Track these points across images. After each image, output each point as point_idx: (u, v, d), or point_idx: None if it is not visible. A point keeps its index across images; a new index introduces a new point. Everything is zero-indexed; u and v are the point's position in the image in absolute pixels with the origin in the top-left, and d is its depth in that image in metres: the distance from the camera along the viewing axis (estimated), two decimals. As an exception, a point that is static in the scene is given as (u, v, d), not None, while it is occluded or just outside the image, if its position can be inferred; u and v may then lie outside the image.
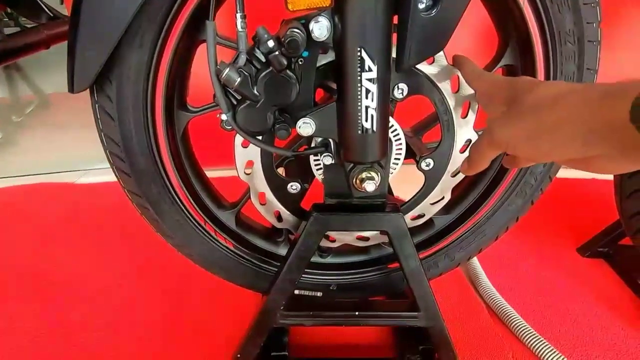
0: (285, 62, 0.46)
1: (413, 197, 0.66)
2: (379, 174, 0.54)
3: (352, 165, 0.54)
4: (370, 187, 0.54)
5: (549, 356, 0.72)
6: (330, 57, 0.53)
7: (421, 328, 0.65)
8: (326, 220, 0.59)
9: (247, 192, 0.65)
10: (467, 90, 0.57)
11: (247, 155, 0.60)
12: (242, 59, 0.46)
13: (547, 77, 0.58)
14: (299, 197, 0.64)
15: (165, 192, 0.61)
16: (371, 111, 0.48)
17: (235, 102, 0.49)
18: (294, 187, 0.63)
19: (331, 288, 0.74)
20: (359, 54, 0.45)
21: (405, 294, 0.73)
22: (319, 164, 0.59)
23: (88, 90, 0.52)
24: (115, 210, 1.16)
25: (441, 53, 0.54)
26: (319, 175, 0.60)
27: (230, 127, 0.51)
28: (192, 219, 0.65)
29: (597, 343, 0.78)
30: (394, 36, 0.46)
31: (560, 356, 0.72)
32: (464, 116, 0.59)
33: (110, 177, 0.62)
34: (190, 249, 0.67)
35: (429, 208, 0.66)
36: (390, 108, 0.53)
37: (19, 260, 1.01)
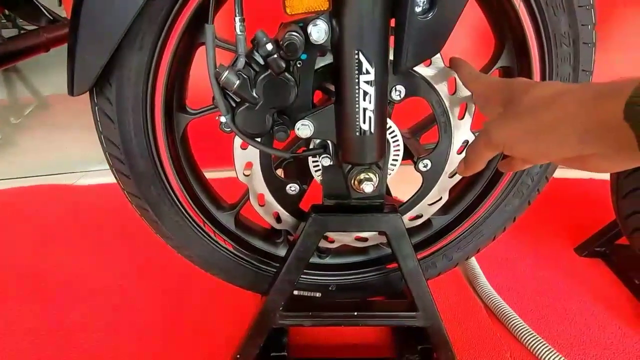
0: (283, 65, 0.47)
1: (411, 197, 0.66)
2: (377, 175, 0.55)
3: (350, 166, 0.55)
4: (368, 188, 0.55)
5: (547, 355, 0.73)
6: (328, 59, 0.53)
7: (420, 328, 0.65)
8: (325, 221, 0.60)
9: (246, 194, 0.66)
10: (464, 92, 0.57)
11: (246, 157, 0.60)
12: (241, 61, 0.46)
13: (543, 79, 0.58)
14: (298, 198, 0.65)
15: (165, 194, 0.61)
16: (369, 113, 0.49)
17: (234, 105, 0.49)
18: (292, 188, 0.63)
19: (330, 289, 0.74)
20: (356, 56, 0.45)
21: (404, 294, 0.74)
22: (318, 166, 0.60)
23: (87, 92, 0.52)
24: (114, 211, 1.16)
25: (438, 55, 0.54)
26: (317, 176, 0.61)
27: (229, 129, 0.51)
28: (191, 221, 0.65)
29: (595, 342, 0.78)
30: (392, 39, 0.46)
31: (558, 355, 0.73)
32: (461, 118, 0.59)
33: (109, 178, 0.63)
34: (190, 250, 0.68)
35: (427, 209, 0.67)
36: (387, 110, 0.53)
37: (19, 261, 1.01)
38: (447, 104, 0.58)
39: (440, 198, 0.66)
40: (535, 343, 0.75)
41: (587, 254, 1.00)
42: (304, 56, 0.48)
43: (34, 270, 0.98)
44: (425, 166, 0.62)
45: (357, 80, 0.47)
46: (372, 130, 0.50)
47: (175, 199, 0.62)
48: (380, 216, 0.59)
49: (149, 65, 0.52)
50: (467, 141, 0.61)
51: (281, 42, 0.45)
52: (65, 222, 1.16)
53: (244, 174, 0.62)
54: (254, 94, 0.48)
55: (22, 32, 0.85)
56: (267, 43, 0.45)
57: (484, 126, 0.43)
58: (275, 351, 0.71)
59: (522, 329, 0.78)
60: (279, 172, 0.65)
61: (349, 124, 0.50)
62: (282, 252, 0.72)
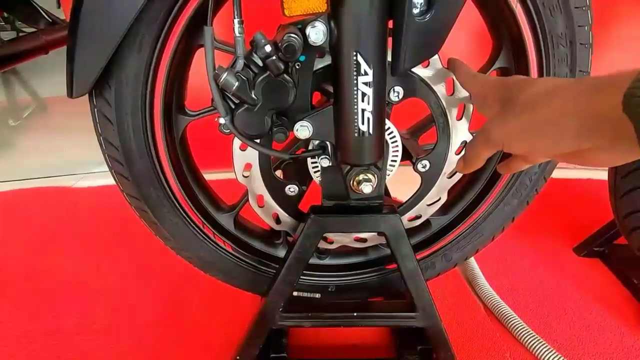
0: (282, 67, 0.47)
1: (410, 198, 0.66)
2: (375, 175, 0.55)
3: (349, 167, 0.55)
4: (367, 189, 0.55)
5: (546, 355, 0.73)
6: (326, 61, 0.54)
7: (419, 328, 0.65)
8: (324, 222, 0.60)
9: (245, 195, 0.66)
10: (462, 92, 0.57)
11: (245, 158, 0.60)
12: (240, 63, 0.46)
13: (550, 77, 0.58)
14: (297, 200, 0.65)
15: (164, 195, 0.61)
16: (367, 114, 0.49)
17: (233, 106, 0.49)
18: (291, 189, 0.63)
19: (330, 289, 0.75)
20: (355, 58, 0.45)
21: (403, 295, 0.74)
22: (317, 167, 0.60)
23: (86, 94, 0.53)
24: (113, 213, 1.16)
25: (436, 56, 0.55)
26: (316, 177, 0.61)
27: (228, 131, 0.51)
28: (190, 222, 0.65)
29: (594, 342, 0.79)
30: (390, 40, 0.46)
31: (557, 355, 0.73)
32: (459, 118, 0.60)
33: (108, 180, 0.63)
34: (189, 251, 0.68)
35: (426, 209, 0.67)
36: (386, 111, 0.54)
37: (18, 263, 1.01)
38: (445, 104, 0.58)
39: (439, 198, 0.66)
40: (534, 343, 0.75)
41: (586, 253, 1.00)
42: (302, 58, 0.48)
43: (33, 272, 0.97)
44: (424, 167, 0.63)
45: (355, 82, 0.47)
46: (371, 131, 0.50)
47: (175, 201, 0.63)
48: (379, 217, 0.59)
49: (148, 67, 0.53)
50: (465, 142, 0.61)
51: (280, 44, 0.45)
52: (65, 224, 1.15)
53: (243, 175, 0.62)
54: (253, 96, 0.48)
55: (20, 34, 0.86)
56: (265, 45, 0.45)
57: (484, 124, 0.43)
58: (275, 352, 0.71)
59: (521, 329, 0.78)
60: (278, 173, 0.66)
61: (348, 125, 0.50)
62: (281, 253, 0.72)
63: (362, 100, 0.48)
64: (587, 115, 0.32)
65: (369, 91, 0.47)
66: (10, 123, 2.11)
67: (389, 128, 0.58)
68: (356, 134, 0.50)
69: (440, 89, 0.57)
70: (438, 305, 0.64)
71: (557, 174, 0.68)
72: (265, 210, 0.65)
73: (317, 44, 0.46)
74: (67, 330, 0.82)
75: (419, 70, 0.56)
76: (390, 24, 0.46)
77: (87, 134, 0.58)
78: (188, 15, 0.53)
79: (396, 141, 0.59)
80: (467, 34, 1.22)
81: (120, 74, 0.52)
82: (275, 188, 0.63)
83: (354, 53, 0.45)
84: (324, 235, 0.63)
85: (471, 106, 0.59)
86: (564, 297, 0.89)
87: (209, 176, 0.70)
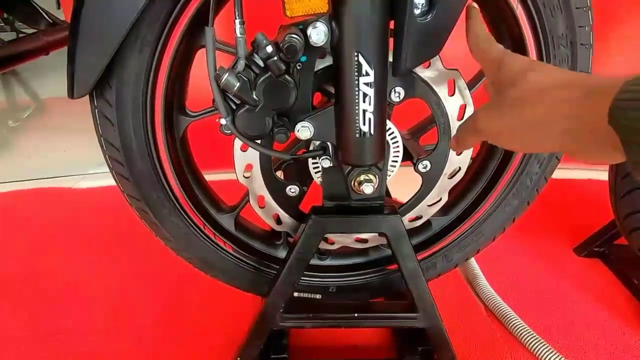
0: (283, 67, 0.47)
1: (411, 199, 0.66)
2: (376, 176, 0.55)
3: (350, 168, 0.55)
4: (368, 189, 0.55)
5: (547, 355, 0.73)
6: (328, 61, 0.54)
7: (420, 329, 0.65)
8: (325, 223, 0.60)
9: (246, 196, 0.66)
10: (463, 93, 0.57)
11: (246, 159, 0.60)
12: (241, 64, 0.46)
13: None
14: (298, 200, 0.65)
15: (165, 196, 0.61)
16: (368, 114, 0.49)
17: (234, 107, 0.49)
18: (292, 190, 0.63)
19: (330, 290, 0.74)
20: (356, 58, 0.45)
21: (404, 296, 0.74)
22: (318, 167, 0.60)
23: (87, 95, 0.53)
24: (114, 214, 1.16)
25: (437, 57, 0.55)
26: (317, 178, 0.61)
27: (229, 131, 0.51)
28: (191, 223, 0.65)
29: (594, 342, 0.79)
30: (391, 41, 0.47)
31: (557, 355, 0.73)
32: (460, 118, 0.60)
33: (109, 181, 0.63)
34: (190, 252, 0.67)
35: (427, 210, 0.67)
36: (387, 111, 0.54)
37: (18, 264, 1.01)
38: (446, 105, 0.58)
39: (440, 199, 0.66)
40: (535, 343, 0.75)
41: (586, 254, 1.00)
42: (303, 58, 0.48)
43: (33, 273, 0.97)
44: (424, 167, 0.63)
45: (356, 82, 0.47)
46: (372, 131, 0.50)
47: (175, 201, 0.62)
48: (380, 217, 0.59)
49: (149, 68, 0.53)
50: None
51: (281, 45, 0.45)
52: (65, 225, 1.15)
53: (244, 175, 0.62)
54: (254, 96, 0.48)
55: (20, 35, 0.85)
56: (267, 45, 0.45)
57: (475, 111, 0.43)
58: (276, 353, 0.71)
59: (521, 329, 0.78)
60: (279, 174, 0.66)
61: (349, 125, 0.50)
62: (282, 253, 0.72)
63: (364, 101, 0.48)
64: (575, 120, 0.33)
65: (370, 92, 0.47)
66: (9, 124, 2.11)
67: (389, 128, 0.58)
68: (357, 135, 0.50)
69: (441, 90, 0.57)
70: (438, 306, 0.64)
71: (557, 174, 0.68)
72: (266, 211, 0.65)
73: (319, 45, 0.46)
74: (67, 331, 0.82)
75: (420, 71, 0.56)
76: (392, 24, 0.46)
77: (87, 135, 0.58)
78: (189, 15, 0.53)
79: (397, 142, 0.59)
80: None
81: (121, 74, 0.52)
82: (276, 189, 0.63)
83: (355, 53, 0.45)
84: (325, 236, 0.63)
85: (472, 107, 0.59)
86: (565, 297, 0.89)
87: (209, 177, 0.70)
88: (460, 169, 0.63)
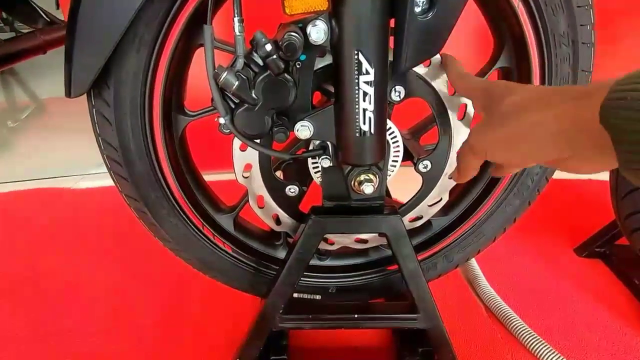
0: (282, 66, 0.46)
1: (411, 199, 0.66)
2: (377, 176, 0.55)
3: (350, 167, 0.54)
4: (368, 189, 0.54)
5: (548, 356, 0.73)
6: (327, 60, 0.53)
7: (420, 330, 0.65)
8: (324, 223, 0.59)
9: (245, 196, 0.65)
10: (464, 92, 0.57)
11: (245, 159, 0.60)
12: (240, 62, 0.46)
13: (543, 79, 0.58)
14: (297, 200, 0.64)
15: (163, 196, 0.61)
16: (369, 114, 0.48)
17: (233, 106, 0.49)
18: (292, 190, 0.63)
19: (330, 291, 0.74)
20: (356, 57, 0.45)
21: (404, 296, 0.73)
22: (317, 167, 0.59)
23: (85, 94, 0.52)
24: (113, 214, 1.16)
25: (438, 56, 0.54)
26: (317, 178, 0.60)
27: (228, 131, 0.51)
28: (190, 223, 0.64)
29: (595, 343, 0.78)
30: (391, 39, 0.46)
31: (558, 356, 0.72)
32: (461, 118, 0.59)
33: (108, 181, 0.62)
34: (188, 252, 0.67)
35: (427, 210, 0.67)
36: (387, 110, 0.53)
37: (17, 264, 1.00)
38: (446, 104, 0.58)
39: (441, 199, 0.66)
40: (535, 344, 0.75)
41: (587, 254, 1.00)
42: (303, 57, 0.48)
43: (33, 273, 0.97)
44: (425, 167, 0.62)
45: (356, 81, 0.46)
46: (372, 131, 0.49)
47: (174, 202, 0.62)
48: (380, 218, 0.59)
49: (147, 67, 0.52)
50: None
51: (280, 43, 0.45)
52: (64, 225, 1.15)
53: (243, 175, 0.61)
54: (253, 95, 0.47)
55: (18, 35, 0.85)
56: (266, 44, 0.45)
57: (468, 135, 0.44)
58: (276, 354, 0.71)
59: (522, 330, 0.78)
60: (279, 173, 0.65)
61: (349, 124, 0.49)
62: (281, 254, 0.71)
63: (364, 100, 0.47)
64: (565, 126, 0.33)
65: (371, 90, 0.47)
66: (9, 124, 2.11)
67: (390, 128, 0.57)
68: (357, 134, 0.50)
69: (441, 89, 0.57)
70: (439, 306, 0.63)
71: (558, 174, 0.67)
72: (266, 211, 0.65)
73: (318, 43, 0.46)
74: (66, 331, 0.82)
75: (420, 70, 0.56)
76: (392, 22, 0.45)
77: (87, 135, 0.58)
78: (187, 14, 0.52)
79: (397, 141, 0.59)
80: (468, 34, 1.22)
81: (119, 73, 0.51)
82: (275, 189, 0.63)
83: (356, 52, 0.45)
84: (325, 236, 0.62)
85: (472, 106, 0.58)
86: (565, 297, 0.88)
87: (208, 177, 0.70)
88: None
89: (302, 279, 0.66)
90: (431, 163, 0.62)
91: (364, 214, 0.59)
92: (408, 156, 0.63)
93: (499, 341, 0.78)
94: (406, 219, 0.66)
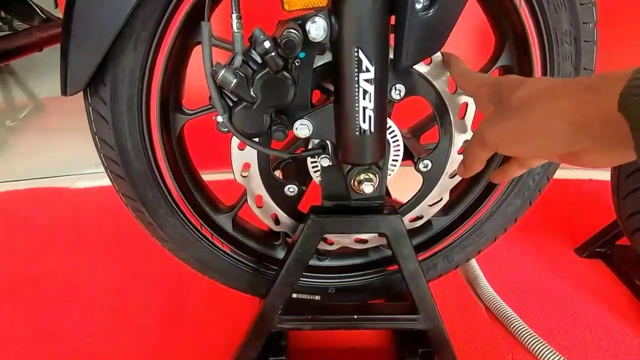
0: (281, 63, 0.46)
1: (411, 198, 0.65)
2: (377, 175, 0.54)
3: (350, 167, 0.54)
4: (368, 188, 0.54)
5: (548, 356, 0.72)
6: (327, 58, 0.53)
7: (420, 331, 0.64)
8: (324, 223, 0.59)
9: (243, 195, 0.65)
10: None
11: (243, 158, 0.59)
12: (238, 60, 0.45)
13: (544, 76, 0.58)
14: (297, 200, 0.64)
15: (161, 196, 0.60)
16: (369, 112, 0.48)
17: (231, 104, 0.48)
18: (291, 189, 0.62)
19: (329, 291, 0.74)
20: (356, 54, 0.44)
21: (404, 297, 0.73)
22: (317, 166, 0.59)
23: (82, 93, 0.51)
24: (110, 214, 1.15)
25: (439, 54, 0.54)
26: (316, 177, 0.60)
27: (226, 129, 0.50)
28: (188, 223, 0.64)
29: (596, 343, 0.78)
30: (392, 37, 0.45)
31: (559, 356, 0.72)
32: (462, 117, 0.59)
33: (106, 181, 0.62)
34: (187, 253, 0.66)
35: (427, 210, 0.66)
36: (387, 109, 0.53)
37: (15, 264, 1.00)
38: (447, 103, 0.58)
39: (441, 199, 0.65)
40: (536, 344, 0.74)
41: (588, 254, 0.99)
42: (302, 54, 0.47)
43: (31, 274, 0.96)
44: (425, 166, 0.62)
45: (356, 79, 0.46)
46: (372, 129, 0.49)
47: (172, 201, 0.61)
48: (380, 217, 0.58)
49: (144, 65, 0.51)
50: (467, 141, 0.60)
51: (279, 40, 0.44)
52: (62, 225, 1.14)
53: (241, 175, 0.61)
54: (252, 93, 0.47)
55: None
56: (264, 41, 0.44)
57: (478, 127, 0.43)
58: (274, 355, 0.70)
59: (523, 330, 0.77)
60: (277, 173, 0.65)
61: (349, 123, 0.49)
62: (280, 254, 0.71)
63: (364, 98, 0.47)
64: (581, 115, 0.32)
65: (371, 88, 0.46)
66: (7, 124, 2.10)
67: (390, 127, 0.57)
68: (357, 133, 0.49)
69: (442, 87, 0.56)
70: (439, 307, 0.63)
71: (559, 174, 0.67)
72: (264, 210, 0.64)
73: (318, 40, 0.45)
74: (66, 331, 0.81)
75: (421, 68, 0.55)
76: (393, 19, 0.45)
77: (84, 135, 0.57)
78: (185, 11, 0.52)
79: (397, 140, 0.58)
80: (469, 31, 1.21)
81: (116, 71, 0.51)
82: (274, 188, 0.62)
83: (355, 49, 0.44)
84: (324, 236, 0.62)
85: (474, 105, 0.58)
86: (566, 298, 0.88)
87: (206, 176, 0.69)
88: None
89: (301, 279, 0.66)
90: (431, 162, 0.61)
91: (364, 213, 0.58)
92: (408, 155, 0.62)
93: (500, 342, 0.78)
94: (406, 218, 0.66)
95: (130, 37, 0.49)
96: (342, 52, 0.45)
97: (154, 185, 0.59)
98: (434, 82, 0.56)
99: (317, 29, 0.44)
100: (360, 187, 0.54)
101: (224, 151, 0.59)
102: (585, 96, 0.32)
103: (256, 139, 0.51)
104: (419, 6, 0.42)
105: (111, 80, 0.51)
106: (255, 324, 0.63)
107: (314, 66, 0.51)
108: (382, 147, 0.52)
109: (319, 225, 0.59)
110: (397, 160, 0.59)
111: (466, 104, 0.58)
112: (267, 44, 0.44)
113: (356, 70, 0.45)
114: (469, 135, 0.60)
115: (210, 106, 0.56)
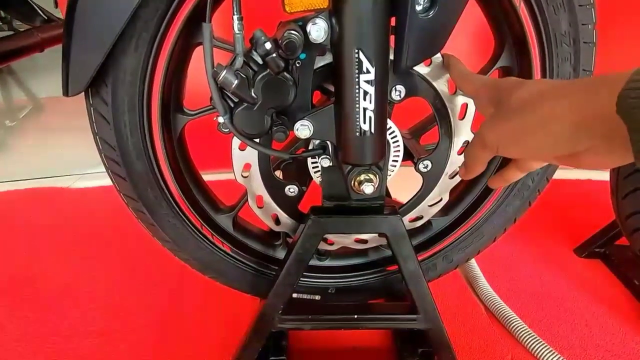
0: (282, 64, 0.46)
1: (411, 199, 0.66)
2: (377, 176, 0.54)
3: (350, 167, 0.54)
4: (368, 189, 0.54)
5: (547, 357, 0.72)
6: (327, 59, 0.53)
7: (420, 330, 0.64)
8: (324, 223, 0.59)
9: (244, 195, 0.65)
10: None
11: (244, 158, 0.59)
12: (239, 61, 0.46)
13: (543, 78, 0.58)
14: (297, 200, 0.64)
15: (162, 196, 0.60)
16: (369, 113, 0.48)
17: (232, 105, 0.48)
18: (291, 189, 0.63)
19: (330, 291, 0.74)
20: (356, 55, 0.45)
21: (404, 297, 0.73)
22: (317, 167, 0.59)
23: (83, 93, 0.52)
24: (111, 214, 1.15)
25: (438, 55, 0.54)
26: (316, 177, 0.60)
27: (227, 130, 0.50)
28: (189, 223, 0.64)
29: (595, 343, 0.78)
30: (392, 38, 0.46)
31: (558, 357, 0.72)
32: (462, 118, 0.59)
33: (106, 181, 0.62)
34: (187, 253, 0.67)
35: (427, 210, 0.66)
36: (388, 110, 0.53)
37: (13, 265, 1.00)
38: (447, 104, 0.58)
39: (441, 199, 0.65)
40: (535, 344, 0.75)
41: (587, 254, 0.99)
42: (303, 55, 0.47)
43: (30, 274, 0.96)
44: (425, 167, 0.62)
45: (357, 80, 0.46)
46: (373, 130, 0.49)
47: (173, 202, 0.62)
48: (380, 218, 0.58)
49: (145, 65, 0.52)
50: (467, 142, 0.61)
51: (280, 41, 0.44)
52: (62, 225, 1.14)
53: (242, 175, 0.61)
54: (253, 94, 0.47)
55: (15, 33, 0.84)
56: (265, 42, 0.44)
57: (479, 128, 0.43)
58: (275, 355, 0.71)
59: (522, 330, 0.78)
60: (278, 173, 0.65)
61: (349, 124, 0.49)
62: (280, 254, 0.71)
63: (364, 99, 0.47)
64: (580, 116, 0.32)
65: (371, 89, 0.46)
66: (7, 123, 2.10)
67: (390, 127, 0.57)
68: (357, 133, 0.49)
69: (442, 88, 0.57)
70: (438, 307, 0.63)
71: (558, 174, 0.67)
72: (265, 211, 0.64)
73: (318, 42, 0.45)
74: (65, 332, 0.81)
75: (421, 69, 0.55)
76: (393, 21, 0.45)
77: (85, 135, 0.57)
78: (186, 12, 0.52)
79: (397, 141, 0.58)
80: (469, 33, 1.22)
81: (117, 72, 0.51)
82: (274, 188, 0.62)
83: (356, 51, 0.44)
84: (324, 236, 0.62)
85: (473, 105, 0.58)
86: (565, 298, 0.88)
87: (207, 176, 0.69)
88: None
89: (301, 279, 0.66)
90: (431, 163, 0.62)
91: (364, 214, 0.59)
92: (408, 156, 0.62)
93: (499, 341, 0.78)
94: (406, 219, 0.66)
95: (131, 38, 0.49)
96: (343, 53, 0.45)
97: (155, 185, 0.59)
98: (434, 83, 0.56)
99: (318, 30, 0.44)
100: (361, 188, 0.54)
101: (225, 151, 0.59)
102: (584, 98, 0.32)
103: (257, 140, 0.52)
104: (419, 8, 0.42)
105: (112, 80, 0.51)
106: (256, 323, 0.63)
107: (315, 67, 0.51)
108: (382, 147, 0.52)
109: (320, 225, 0.59)
110: (397, 161, 0.59)
111: (466, 105, 0.58)
112: (268, 45, 0.44)
113: (357, 71, 0.45)
114: (468, 136, 0.60)
115: (211, 107, 0.56)
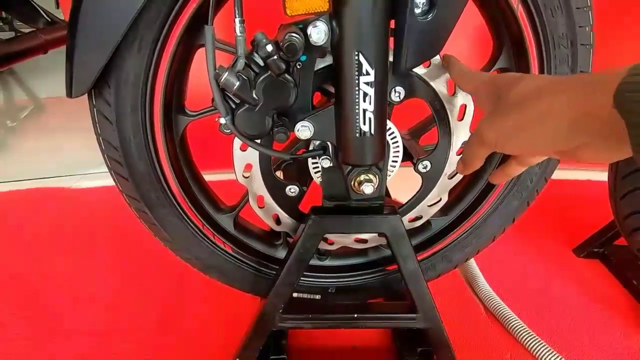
0: (283, 66, 0.46)
1: (411, 199, 0.66)
2: (377, 176, 0.55)
3: (350, 168, 0.55)
4: (368, 189, 0.55)
5: (546, 356, 0.73)
6: (328, 61, 0.53)
7: (420, 330, 0.65)
8: (324, 223, 0.59)
9: (245, 196, 0.65)
10: (463, 93, 0.57)
11: (245, 159, 0.60)
12: (241, 63, 0.46)
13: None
14: (297, 200, 0.65)
15: (164, 196, 0.61)
16: (369, 114, 0.49)
17: (233, 106, 0.49)
18: (292, 190, 0.63)
19: (330, 291, 0.74)
20: (356, 57, 0.45)
21: (404, 296, 0.74)
22: (317, 167, 0.60)
23: (85, 94, 0.52)
24: (113, 214, 1.15)
25: (437, 57, 0.54)
26: (317, 178, 0.61)
27: (228, 131, 0.51)
28: (190, 223, 0.64)
29: (594, 343, 0.79)
30: (391, 40, 0.46)
31: (557, 356, 0.73)
32: (460, 119, 0.60)
33: (108, 181, 0.62)
34: (189, 252, 0.67)
35: (427, 210, 0.67)
36: (387, 111, 0.53)
37: (14, 265, 1.00)
38: (446, 105, 0.58)
39: (440, 199, 0.66)
40: (534, 344, 0.75)
41: (586, 254, 1.00)
42: (303, 57, 0.48)
43: (31, 274, 0.97)
44: (424, 167, 0.63)
45: (357, 82, 0.47)
46: (372, 131, 0.50)
47: (174, 202, 0.62)
48: (380, 218, 0.59)
49: (148, 67, 0.52)
50: (466, 142, 0.61)
51: (281, 44, 0.45)
52: (63, 225, 1.15)
53: (243, 175, 0.61)
54: (254, 95, 0.48)
55: (18, 35, 0.85)
56: (267, 44, 0.45)
57: (478, 125, 0.43)
58: (275, 354, 0.71)
59: (521, 330, 0.78)
60: (279, 173, 0.65)
61: (349, 125, 0.49)
62: (281, 254, 0.72)
63: (364, 101, 0.48)
64: (578, 111, 0.32)
65: (371, 91, 0.47)
66: (8, 124, 2.10)
67: (389, 128, 0.57)
68: (357, 134, 0.50)
69: (441, 89, 0.57)
70: (438, 306, 0.63)
71: (556, 175, 0.68)
72: (266, 211, 0.65)
73: (319, 44, 0.46)
74: (65, 331, 0.82)
75: (420, 71, 0.56)
76: (392, 23, 0.45)
77: (86, 135, 0.58)
78: (188, 14, 0.53)
79: (397, 142, 0.59)
80: (468, 35, 1.22)
81: (120, 73, 0.52)
82: (275, 188, 0.63)
83: (356, 53, 0.45)
84: (325, 236, 0.62)
85: (472, 106, 0.59)
86: (564, 298, 0.89)
87: (209, 177, 0.70)
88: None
89: (301, 278, 0.66)
90: (431, 163, 0.62)
91: (364, 214, 0.59)
92: (408, 156, 0.63)
93: (498, 341, 0.78)
94: (406, 219, 0.67)
95: (134, 40, 0.50)
96: (343, 55, 0.46)
97: (157, 185, 0.60)
98: (433, 85, 0.57)
99: (319, 33, 0.45)
100: (361, 188, 0.55)
101: (226, 152, 0.60)
102: (582, 93, 0.32)
103: (258, 141, 0.52)
104: (418, 11, 0.43)
105: (115, 82, 0.52)
106: (256, 323, 0.64)
107: (315, 69, 0.52)
108: (382, 148, 0.53)
109: (320, 225, 0.59)
110: (396, 161, 0.60)
111: (464, 106, 0.59)
112: (269, 48, 0.45)
113: (356, 73, 0.46)
114: (467, 136, 0.61)
115: (213, 108, 0.57)
